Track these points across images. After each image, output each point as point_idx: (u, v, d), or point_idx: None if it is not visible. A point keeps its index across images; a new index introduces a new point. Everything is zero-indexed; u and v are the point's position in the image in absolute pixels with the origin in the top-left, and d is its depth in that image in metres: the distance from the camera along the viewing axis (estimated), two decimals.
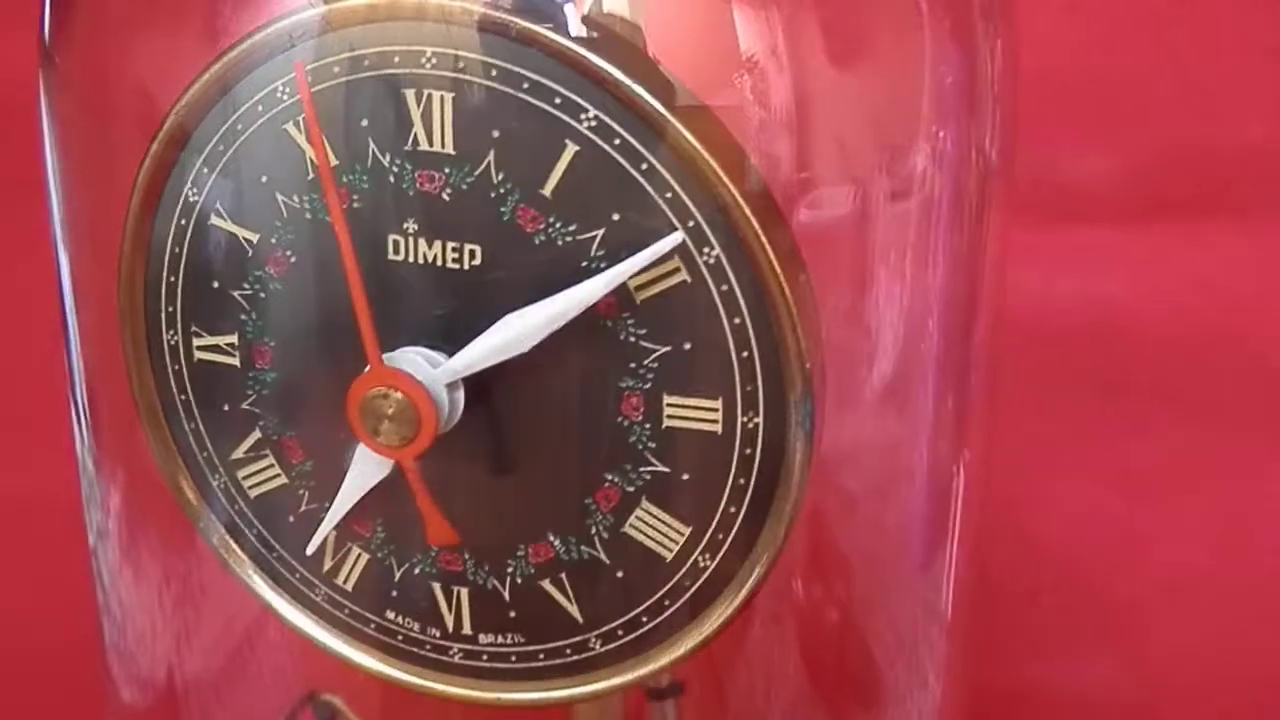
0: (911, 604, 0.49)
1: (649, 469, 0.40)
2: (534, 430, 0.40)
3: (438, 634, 0.44)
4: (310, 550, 0.44)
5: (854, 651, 0.50)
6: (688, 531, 0.40)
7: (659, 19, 0.39)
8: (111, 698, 0.51)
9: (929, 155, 0.43)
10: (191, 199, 0.41)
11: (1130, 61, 0.74)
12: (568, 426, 0.40)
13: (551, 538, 0.41)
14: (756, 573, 0.41)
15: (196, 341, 0.43)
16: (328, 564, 0.44)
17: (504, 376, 0.39)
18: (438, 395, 0.39)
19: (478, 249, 0.39)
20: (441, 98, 0.38)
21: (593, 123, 0.37)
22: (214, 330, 0.42)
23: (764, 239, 0.37)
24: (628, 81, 0.37)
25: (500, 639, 0.43)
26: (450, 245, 0.39)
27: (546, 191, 0.38)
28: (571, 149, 0.37)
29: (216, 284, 0.42)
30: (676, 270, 0.38)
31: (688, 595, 0.41)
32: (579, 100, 0.37)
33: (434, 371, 0.39)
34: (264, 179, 0.40)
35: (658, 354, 0.39)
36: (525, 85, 0.37)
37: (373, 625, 0.44)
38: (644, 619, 0.42)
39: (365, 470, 0.41)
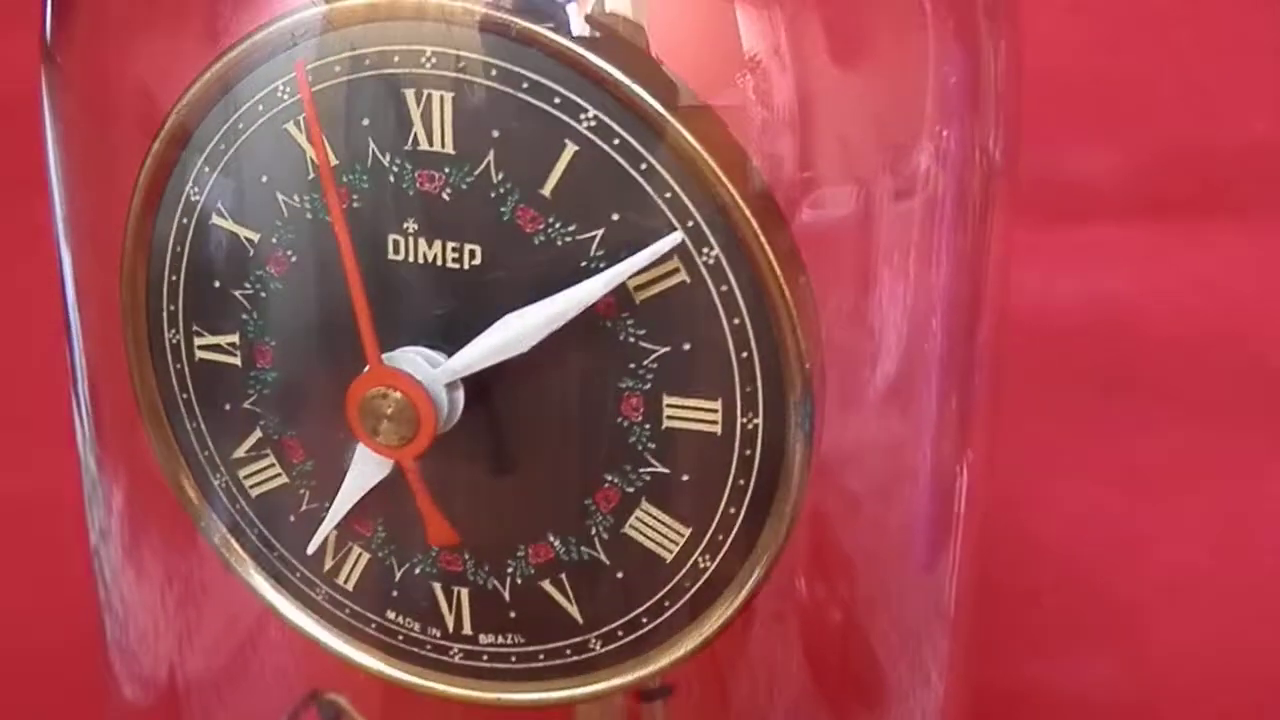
0: (914, 603, 0.49)
1: (649, 470, 0.40)
2: (534, 431, 0.40)
3: (438, 634, 0.44)
4: (311, 550, 0.43)
5: (857, 651, 0.50)
6: (688, 532, 0.40)
7: (662, 18, 0.39)
8: (114, 696, 0.51)
9: (932, 155, 0.43)
10: (193, 198, 0.41)
11: (1133, 61, 0.73)
12: (567, 427, 0.40)
13: (551, 538, 0.41)
14: (756, 574, 0.40)
15: (198, 341, 0.43)
16: (328, 564, 0.44)
17: (504, 377, 0.39)
18: (437, 395, 0.39)
19: (477, 249, 0.39)
20: (441, 97, 0.38)
21: (592, 123, 0.37)
22: (215, 329, 0.42)
23: (763, 240, 0.37)
24: (627, 81, 0.37)
25: (500, 639, 0.43)
26: (450, 245, 0.39)
27: (546, 191, 0.38)
28: (571, 149, 0.37)
29: (218, 283, 0.42)
30: (676, 271, 0.38)
31: (688, 596, 0.41)
32: (578, 100, 0.37)
33: (433, 371, 0.39)
34: (265, 178, 0.40)
35: (657, 354, 0.39)
36: (525, 85, 0.37)
37: (373, 625, 0.44)
38: (644, 620, 0.42)
39: (365, 470, 0.41)
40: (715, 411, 0.39)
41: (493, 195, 0.38)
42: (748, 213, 0.37)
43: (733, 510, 0.40)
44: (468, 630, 0.43)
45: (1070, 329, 0.74)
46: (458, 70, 0.37)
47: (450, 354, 0.39)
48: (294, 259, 0.41)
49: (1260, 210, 0.74)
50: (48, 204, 0.46)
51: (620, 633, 0.42)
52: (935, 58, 0.43)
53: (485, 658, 0.44)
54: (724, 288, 0.38)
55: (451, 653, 0.44)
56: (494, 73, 0.37)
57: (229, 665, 0.50)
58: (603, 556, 0.41)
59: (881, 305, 0.44)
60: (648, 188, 0.37)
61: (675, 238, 0.37)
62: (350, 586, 0.44)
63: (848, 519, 0.47)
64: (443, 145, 0.38)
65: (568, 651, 0.43)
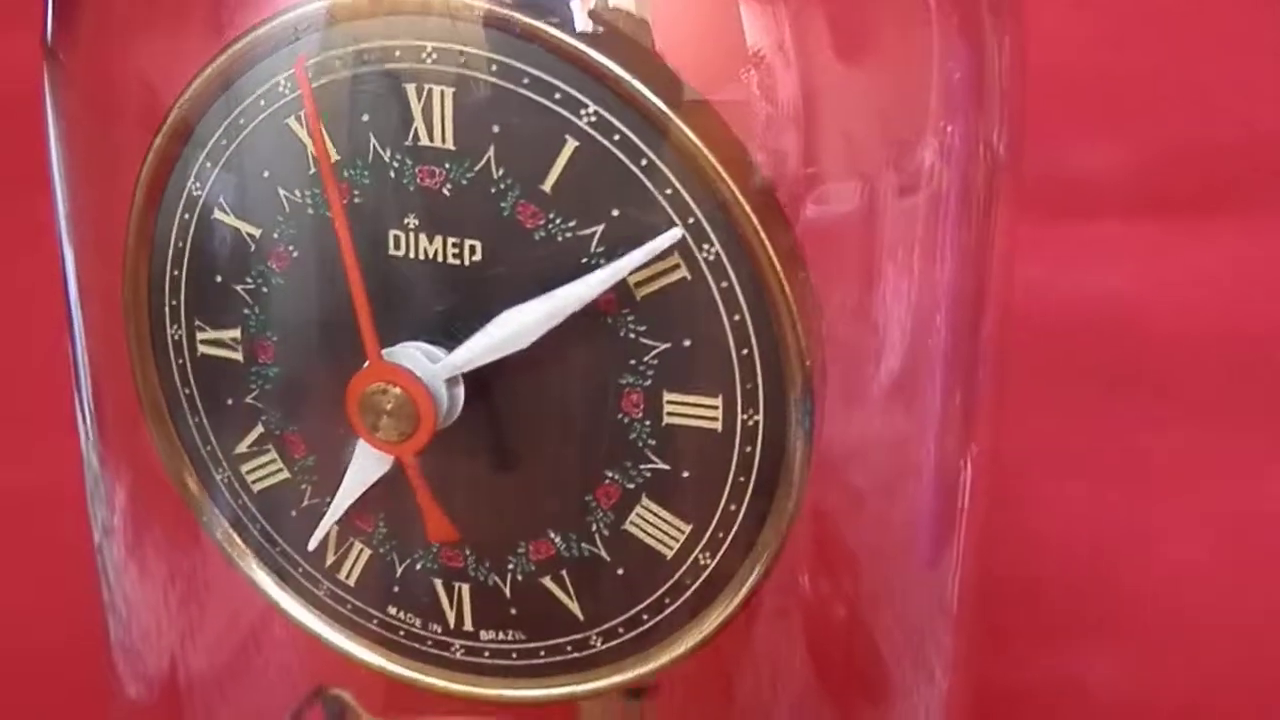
0: (918, 599, 0.49)
1: (649, 466, 0.40)
2: (534, 427, 0.40)
3: (439, 630, 0.44)
4: (312, 545, 0.44)
5: (861, 647, 0.50)
6: (688, 529, 0.40)
7: (666, 14, 0.39)
8: (116, 695, 0.51)
9: (937, 150, 0.43)
10: (195, 193, 0.41)
11: (1138, 57, 0.73)
12: (568, 423, 0.40)
13: (552, 534, 0.41)
14: (757, 571, 0.40)
15: (200, 336, 0.43)
16: (330, 559, 0.44)
17: (504, 373, 0.39)
18: (437, 391, 0.39)
19: (478, 244, 0.39)
20: (442, 93, 0.38)
21: (592, 118, 0.37)
22: (217, 325, 0.42)
23: (763, 236, 0.37)
24: (627, 77, 0.36)
25: (501, 636, 0.43)
26: (450, 241, 0.39)
27: (546, 187, 0.38)
28: (571, 144, 0.37)
29: (219, 278, 0.42)
30: (676, 267, 0.38)
31: (688, 593, 0.41)
32: (579, 95, 0.37)
33: (433, 367, 0.39)
34: (266, 173, 0.40)
35: (657, 351, 0.39)
36: (525, 80, 0.37)
37: (375, 621, 0.44)
38: (645, 617, 0.42)
39: (365, 466, 0.41)
40: (716, 408, 0.39)
41: (493, 191, 0.38)
42: (748, 209, 0.37)
43: (733, 507, 0.40)
44: (469, 626, 0.43)
45: (1074, 325, 0.74)
46: (458, 65, 0.37)
47: (450, 350, 0.39)
48: (295, 254, 0.41)
49: (1265, 207, 0.74)
50: (50, 201, 0.46)
51: (621, 630, 0.42)
52: (940, 53, 0.43)
53: (486, 654, 0.44)
54: (724, 284, 0.38)
55: (453, 649, 0.44)
56: (495, 68, 0.37)
57: (232, 662, 0.50)
58: (603, 553, 0.41)
59: (885, 301, 0.44)
60: (648, 184, 0.37)
61: (675, 234, 0.37)
62: (352, 582, 0.44)
63: (852, 515, 0.47)
64: (443, 140, 0.38)
65: (568, 648, 0.43)
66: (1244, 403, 0.75)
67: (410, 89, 0.38)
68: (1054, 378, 0.73)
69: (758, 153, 0.39)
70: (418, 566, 0.43)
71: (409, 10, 0.38)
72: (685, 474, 0.40)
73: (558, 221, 0.38)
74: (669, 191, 0.37)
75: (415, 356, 0.39)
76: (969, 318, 0.46)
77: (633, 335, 0.38)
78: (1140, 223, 0.75)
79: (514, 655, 0.43)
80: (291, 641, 0.49)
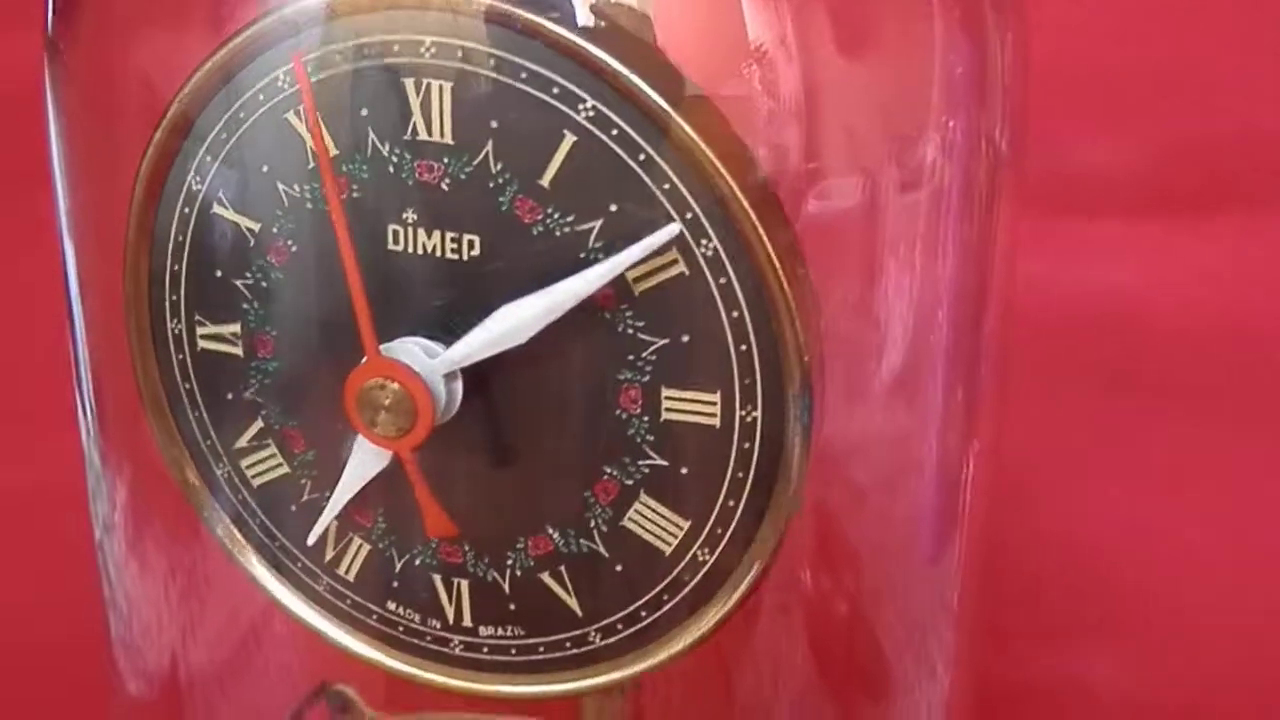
0: (920, 595, 0.49)
1: (647, 462, 0.40)
2: (532, 422, 0.40)
3: (438, 625, 0.44)
4: (311, 540, 0.43)
5: (862, 643, 0.50)
6: (686, 525, 0.40)
7: (667, 8, 0.39)
8: (117, 691, 0.51)
9: (939, 146, 0.43)
10: (195, 188, 0.41)
11: (1140, 54, 0.73)
12: (566, 419, 0.40)
13: (550, 530, 0.41)
14: (755, 568, 0.40)
15: (200, 330, 0.43)
16: (329, 554, 0.44)
17: (502, 368, 0.39)
18: (435, 386, 0.39)
19: (476, 239, 0.39)
20: (440, 87, 0.38)
21: (590, 113, 0.37)
22: (217, 319, 0.42)
23: (762, 232, 0.37)
24: (625, 72, 0.36)
25: (500, 631, 0.43)
26: (449, 235, 0.39)
27: (545, 182, 0.38)
28: (570, 139, 0.37)
29: (219, 273, 0.42)
30: (675, 262, 0.38)
31: (687, 590, 0.41)
32: (577, 90, 0.37)
33: (431, 362, 0.39)
34: (265, 168, 0.40)
35: (656, 346, 0.38)
36: (523, 75, 0.37)
37: (374, 616, 0.44)
38: (643, 613, 0.42)
39: (364, 461, 0.41)
40: (714, 404, 0.39)
41: (491, 185, 0.38)
42: (746, 205, 0.37)
43: (731, 503, 0.40)
44: (468, 622, 0.43)
45: (1076, 322, 0.74)
46: (457, 60, 0.37)
47: (449, 345, 0.39)
48: (294, 249, 0.40)
49: (1267, 204, 0.74)
50: (51, 197, 0.46)
51: (620, 626, 0.42)
52: (942, 48, 0.43)
53: (485, 650, 0.44)
54: (722, 280, 0.37)
55: (452, 644, 0.44)
56: (493, 62, 0.37)
57: (232, 659, 0.50)
58: (602, 549, 0.41)
59: (887, 297, 0.43)
60: (646, 179, 0.37)
61: (673, 229, 0.37)
62: (351, 577, 0.44)
63: (853, 511, 0.47)
64: (442, 135, 0.38)
65: (567, 644, 0.43)
66: (1246, 400, 0.75)
67: (409, 84, 0.38)
68: (1056, 374, 0.73)
69: (759, 148, 0.39)
70: (417, 562, 0.43)
71: (409, 5, 0.38)
72: (683, 470, 0.40)
73: (556, 216, 0.38)
74: (667, 187, 0.37)
75: (413, 352, 0.39)
76: (971, 314, 0.45)
77: (631, 331, 0.38)
78: (1142, 219, 0.75)
79: (513, 651, 0.43)
80: (291, 638, 0.49)
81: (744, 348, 0.38)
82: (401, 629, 0.44)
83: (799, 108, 0.40)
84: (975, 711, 0.52)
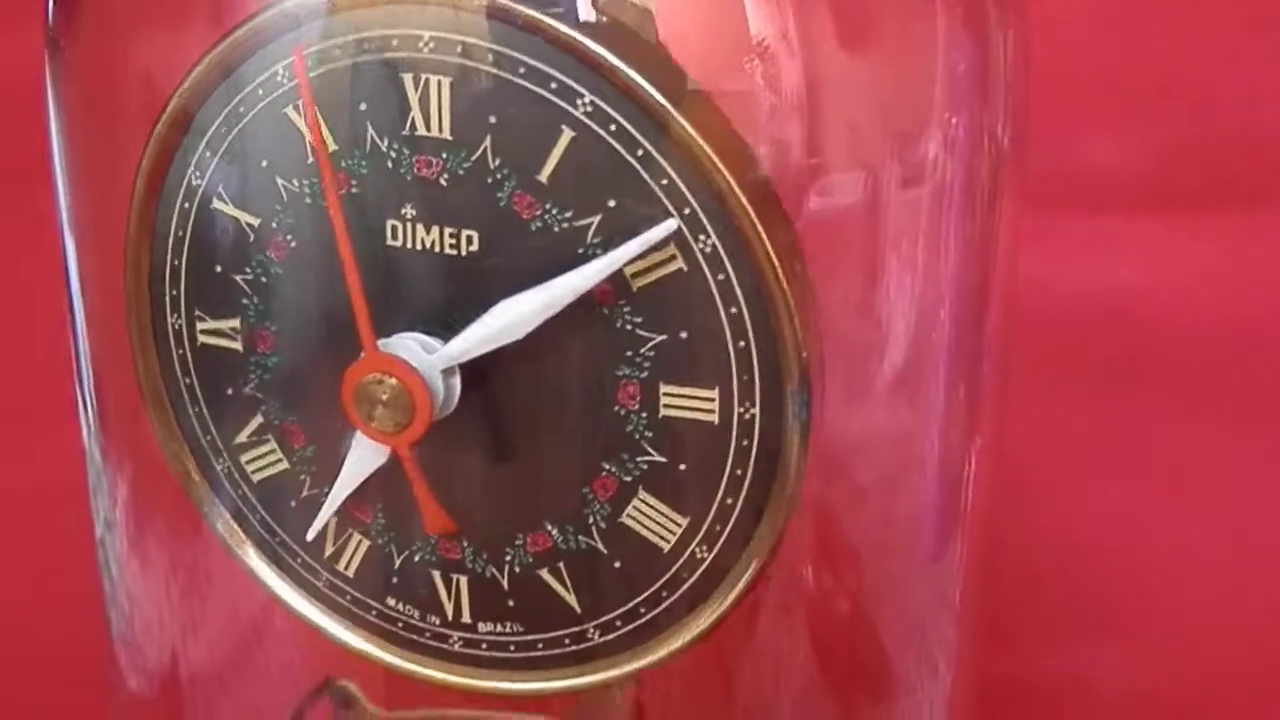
0: (922, 594, 0.49)
1: (646, 459, 0.40)
2: (531, 418, 0.40)
3: (437, 622, 0.44)
4: (310, 536, 0.43)
5: (864, 642, 0.49)
6: (685, 522, 0.40)
7: (670, 4, 0.39)
8: (118, 689, 0.51)
9: (941, 142, 0.42)
10: (195, 182, 0.41)
11: (1142, 51, 0.73)
12: (565, 415, 0.40)
13: (549, 527, 0.41)
14: (754, 565, 0.40)
15: (199, 325, 0.43)
16: (329, 550, 0.44)
17: (501, 364, 0.39)
18: (432, 381, 0.39)
19: (475, 235, 0.38)
20: (439, 82, 0.38)
21: (589, 108, 0.37)
22: (217, 314, 0.42)
23: (760, 228, 0.37)
24: (623, 67, 0.36)
25: (499, 628, 0.43)
26: (448, 231, 0.39)
27: (543, 177, 0.38)
28: (568, 135, 0.37)
29: (219, 268, 0.42)
30: (673, 258, 0.37)
31: (685, 587, 0.41)
32: (575, 86, 0.37)
33: (429, 358, 0.39)
34: (264, 163, 0.40)
35: (654, 342, 0.38)
36: (522, 70, 0.37)
37: (374, 612, 0.44)
38: (642, 610, 0.42)
39: (362, 457, 0.41)
40: (712, 401, 0.39)
41: (490, 181, 0.38)
42: (744, 201, 0.37)
43: (730, 501, 0.40)
44: (467, 618, 0.43)
45: (1078, 319, 0.74)
46: (455, 55, 0.37)
47: (447, 340, 0.39)
48: (293, 244, 0.40)
49: (1269, 202, 0.74)
50: (51, 195, 0.46)
51: (618, 623, 0.42)
52: (944, 45, 0.43)
53: (484, 646, 0.44)
54: (721, 276, 0.37)
55: (451, 641, 0.44)
56: (491, 57, 0.37)
57: (234, 656, 0.50)
58: (600, 546, 0.41)
59: (889, 294, 0.43)
60: (644, 174, 0.37)
61: (670, 225, 0.37)
62: (351, 573, 0.44)
63: (855, 509, 0.47)
64: (440, 130, 0.38)
65: (566, 641, 0.43)
66: (1248, 398, 0.75)
67: (407, 78, 0.38)
68: (1057, 372, 0.73)
69: (761, 143, 0.39)
70: (416, 558, 0.43)
71: (410, 0, 0.38)
72: (682, 467, 0.40)
73: (554, 212, 0.38)
74: (665, 182, 0.37)
75: (411, 347, 0.39)
76: (973, 311, 0.45)
77: (629, 327, 0.38)
78: (1144, 217, 0.75)
79: (512, 648, 0.43)
80: (292, 635, 0.49)
81: (742, 344, 0.38)
82: (401, 625, 0.44)
83: (801, 103, 0.40)
84: (976, 709, 0.52)
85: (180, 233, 0.42)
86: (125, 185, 0.42)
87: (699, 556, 0.41)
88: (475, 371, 0.39)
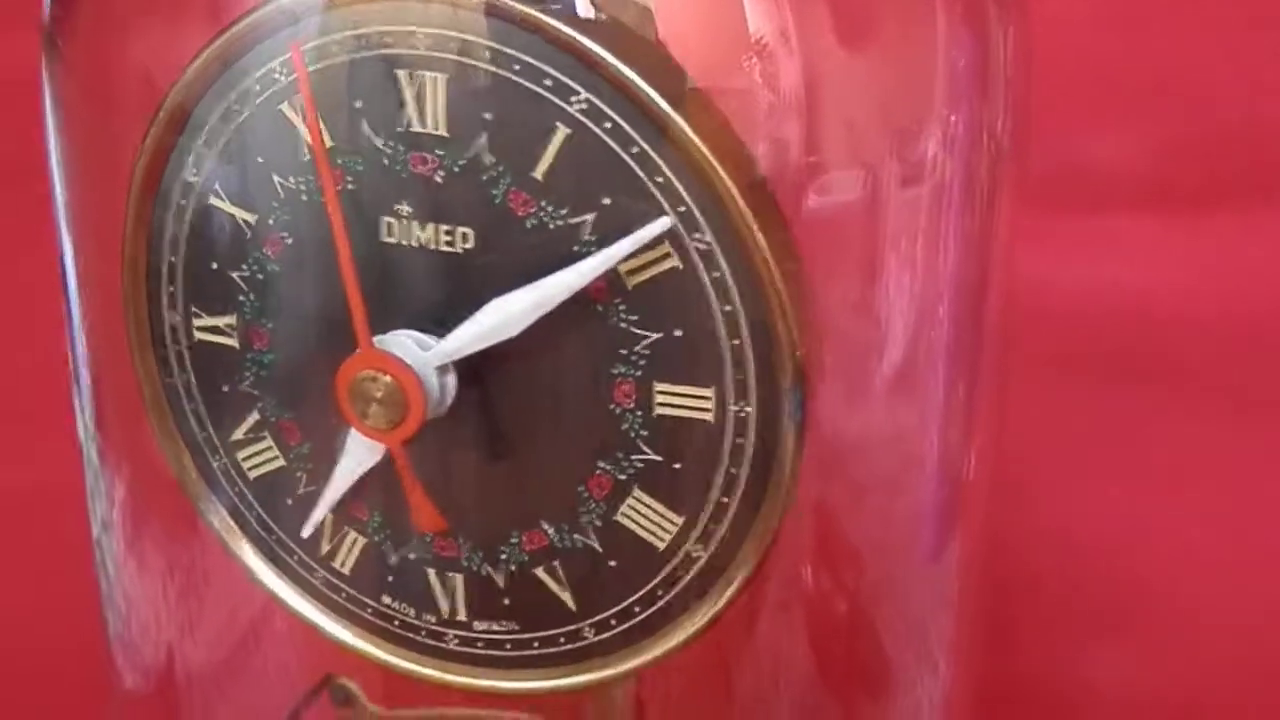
0: (921, 592, 0.49)
1: (641, 457, 0.40)
2: (526, 416, 0.40)
3: (433, 620, 0.44)
4: (306, 533, 0.43)
5: (863, 640, 0.49)
6: (680, 521, 0.40)
7: (669, 2, 0.39)
8: (116, 690, 0.51)
9: (940, 140, 0.42)
10: (191, 179, 0.41)
11: (1143, 49, 0.73)
12: (559, 413, 0.40)
13: (545, 525, 0.41)
14: (750, 564, 0.40)
15: (196, 322, 0.43)
16: (325, 547, 0.44)
17: (496, 362, 0.39)
18: (427, 379, 0.39)
19: (470, 232, 0.38)
20: (434, 79, 0.38)
21: (583, 105, 0.37)
22: (213, 311, 0.42)
23: (754, 226, 0.36)
24: (617, 64, 0.36)
25: (495, 626, 0.43)
26: (443, 228, 0.39)
27: (538, 175, 0.37)
28: (562, 132, 0.37)
29: (215, 265, 0.42)
30: (667, 256, 0.37)
31: (681, 585, 0.41)
32: (570, 82, 0.37)
33: (424, 355, 0.39)
34: (261, 160, 0.40)
35: (649, 340, 0.38)
36: (516, 67, 0.37)
37: (370, 610, 0.44)
38: (637, 609, 0.42)
39: (357, 454, 0.41)
40: (707, 399, 0.39)
41: (485, 178, 0.38)
42: (739, 199, 0.36)
43: (725, 499, 0.40)
44: (462, 616, 0.43)
45: (1079, 317, 0.74)
46: (450, 52, 0.37)
47: (442, 337, 0.39)
48: (289, 241, 0.40)
49: (1269, 199, 0.74)
50: (49, 192, 0.46)
51: (613, 621, 0.42)
52: (944, 42, 0.43)
53: (480, 644, 0.43)
54: (715, 274, 0.37)
55: (447, 639, 0.44)
56: (486, 54, 0.37)
57: (230, 657, 0.50)
58: (595, 544, 0.41)
59: (888, 292, 0.43)
60: (639, 172, 0.37)
61: (665, 222, 0.37)
62: (347, 571, 0.44)
63: (854, 508, 0.46)
64: (436, 127, 0.38)
65: (561, 639, 0.43)
66: (1249, 396, 0.74)
67: (403, 75, 0.38)
68: (1058, 370, 0.73)
69: (759, 142, 0.39)
70: (412, 556, 0.43)
71: None
72: (677, 465, 0.40)
73: (549, 209, 0.38)
74: (660, 180, 0.37)
75: (406, 344, 0.39)
76: (972, 309, 0.45)
77: (624, 324, 0.38)
78: (1144, 215, 0.75)
79: (507, 646, 0.43)
80: (289, 635, 0.49)
81: (737, 342, 0.38)
82: (397, 623, 0.44)
83: (800, 101, 0.40)
84: (976, 708, 0.52)
85: (177, 230, 0.42)
86: (123, 181, 0.42)
87: (694, 555, 0.40)
88: (470, 369, 0.39)
